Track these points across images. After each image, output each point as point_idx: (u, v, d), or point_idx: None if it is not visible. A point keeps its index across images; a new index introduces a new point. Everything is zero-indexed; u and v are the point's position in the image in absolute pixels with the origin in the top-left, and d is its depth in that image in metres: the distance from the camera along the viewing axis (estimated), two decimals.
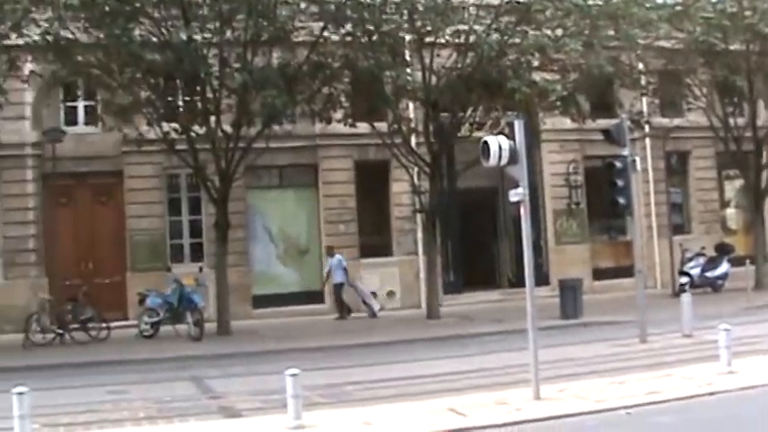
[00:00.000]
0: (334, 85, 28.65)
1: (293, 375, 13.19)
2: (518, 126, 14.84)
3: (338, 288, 31.47)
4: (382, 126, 30.20)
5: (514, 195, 15.00)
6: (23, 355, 25.19)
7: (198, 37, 26.48)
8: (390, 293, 33.55)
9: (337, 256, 31.51)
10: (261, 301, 31.90)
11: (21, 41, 26.64)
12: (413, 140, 30.72)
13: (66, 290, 28.61)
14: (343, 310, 31.36)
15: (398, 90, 28.89)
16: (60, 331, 26.87)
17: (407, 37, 28.93)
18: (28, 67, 28.18)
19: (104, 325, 27.35)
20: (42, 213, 31.11)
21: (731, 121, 34.91)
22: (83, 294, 27.92)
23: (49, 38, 26.27)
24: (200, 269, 30.24)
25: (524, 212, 15.13)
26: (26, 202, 31.18)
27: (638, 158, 23.23)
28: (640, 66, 32.51)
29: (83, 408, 16.36)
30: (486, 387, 16.22)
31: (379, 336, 26.37)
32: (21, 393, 12.39)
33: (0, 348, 26.34)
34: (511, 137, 14.86)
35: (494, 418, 13.38)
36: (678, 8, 30.50)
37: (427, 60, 28.71)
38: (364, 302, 31.83)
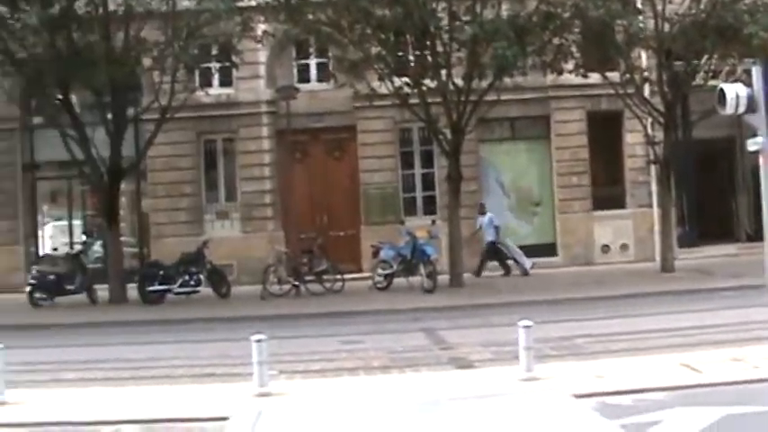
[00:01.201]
0: (565, 36, 28.14)
1: (526, 327, 13.17)
2: (756, 73, 14.30)
3: (490, 247, 30.75)
4: (614, 76, 29.52)
5: (753, 145, 14.51)
6: (261, 305, 26.12)
7: None
8: (623, 246, 32.98)
9: (489, 215, 30.76)
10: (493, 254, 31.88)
11: (253, 2, 27.55)
12: (646, 90, 29.95)
13: (302, 243, 29.33)
14: (483, 268, 30.51)
15: (630, 39, 28.19)
16: (296, 283, 27.64)
17: None
18: (261, 27, 28.88)
19: (339, 277, 27.98)
20: (278, 169, 32.03)
21: None
22: (318, 247, 28.62)
23: None
24: (433, 222, 30.46)
25: (764, 163, 14.61)
26: (262, 158, 32.20)
27: None
28: None
29: (318, 356, 16.85)
30: (722, 343, 15.75)
31: (612, 289, 25.95)
32: (259, 341, 12.83)
33: (239, 299, 27.39)
34: (748, 84, 14.35)
35: (729, 376, 13.03)
36: None
37: (659, 7, 27.92)
38: (515, 260, 30.97)
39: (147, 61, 28.10)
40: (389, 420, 4.12)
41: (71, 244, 33.90)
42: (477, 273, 30.22)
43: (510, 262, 30.85)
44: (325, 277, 28.01)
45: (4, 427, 12.25)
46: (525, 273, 30.50)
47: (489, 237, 30.59)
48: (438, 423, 3.99)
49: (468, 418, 4.16)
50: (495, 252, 30.84)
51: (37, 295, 28.13)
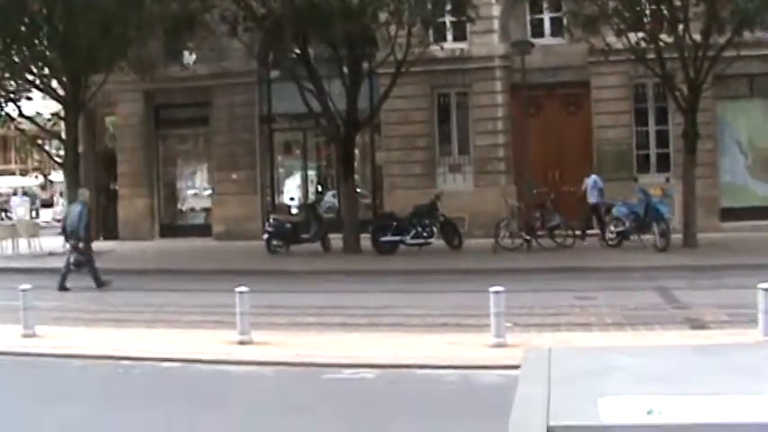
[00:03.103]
0: None
1: (766, 290, 12.84)
2: None
3: (593, 208, 29.38)
4: None
5: None
6: (493, 258, 26.29)
7: None
8: None
9: (593, 177, 29.47)
10: (729, 215, 30.96)
11: None
12: None
13: (534, 197, 29.23)
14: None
15: None
16: (528, 237, 27.63)
17: None
18: None
19: (570, 233, 27.84)
20: (511, 123, 32.03)
21: None
22: (550, 202, 28.51)
23: None
24: (667, 180, 29.87)
25: None
26: (495, 113, 32.26)
27: None
28: None
29: (551, 310, 16.89)
30: None
31: None
32: (497, 292, 12.94)
33: (471, 251, 27.66)
34: None
35: None
36: None
37: None
38: None
39: (382, 15, 28.44)
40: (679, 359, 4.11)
41: (306, 194, 34.95)
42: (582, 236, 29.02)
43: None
44: (556, 233, 27.91)
45: (251, 365, 12.82)
46: None
47: (593, 199, 29.36)
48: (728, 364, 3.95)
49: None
50: (597, 214, 29.62)
51: (274, 243, 29.19)
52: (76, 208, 23.31)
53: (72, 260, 22.83)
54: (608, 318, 16.21)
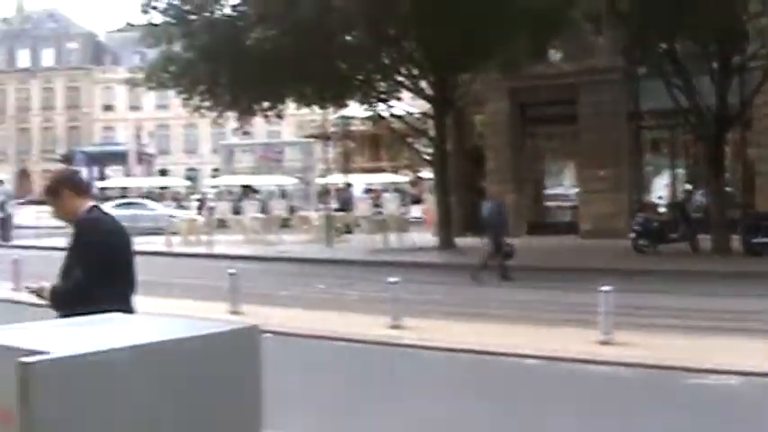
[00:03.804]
0: None
1: None
2: None
3: None
4: None
5: None
6: None
7: None
8: None
9: None
10: None
11: None
12: None
13: None
14: None
15: None
16: None
17: None
18: None
19: None
20: None
21: None
22: None
23: None
24: None
25: None
26: None
27: None
28: None
29: None
30: None
31: None
32: None
33: None
34: None
35: None
36: None
37: None
38: None
39: (753, 7, 27.43)
40: None
41: (674, 193, 34.35)
42: None
43: None
44: None
45: (612, 366, 12.77)
46: None
47: None
48: None
49: None
50: None
51: (641, 242, 28.85)
52: (488, 205, 25.39)
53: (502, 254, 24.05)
54: None
